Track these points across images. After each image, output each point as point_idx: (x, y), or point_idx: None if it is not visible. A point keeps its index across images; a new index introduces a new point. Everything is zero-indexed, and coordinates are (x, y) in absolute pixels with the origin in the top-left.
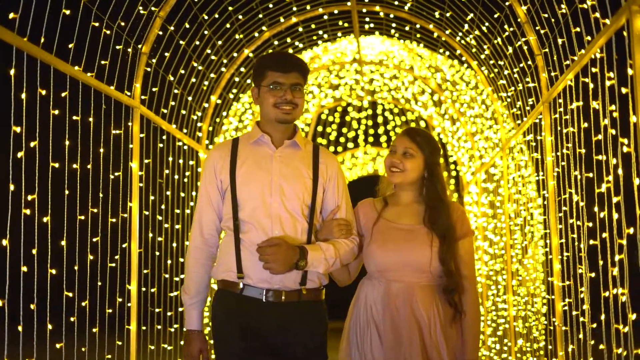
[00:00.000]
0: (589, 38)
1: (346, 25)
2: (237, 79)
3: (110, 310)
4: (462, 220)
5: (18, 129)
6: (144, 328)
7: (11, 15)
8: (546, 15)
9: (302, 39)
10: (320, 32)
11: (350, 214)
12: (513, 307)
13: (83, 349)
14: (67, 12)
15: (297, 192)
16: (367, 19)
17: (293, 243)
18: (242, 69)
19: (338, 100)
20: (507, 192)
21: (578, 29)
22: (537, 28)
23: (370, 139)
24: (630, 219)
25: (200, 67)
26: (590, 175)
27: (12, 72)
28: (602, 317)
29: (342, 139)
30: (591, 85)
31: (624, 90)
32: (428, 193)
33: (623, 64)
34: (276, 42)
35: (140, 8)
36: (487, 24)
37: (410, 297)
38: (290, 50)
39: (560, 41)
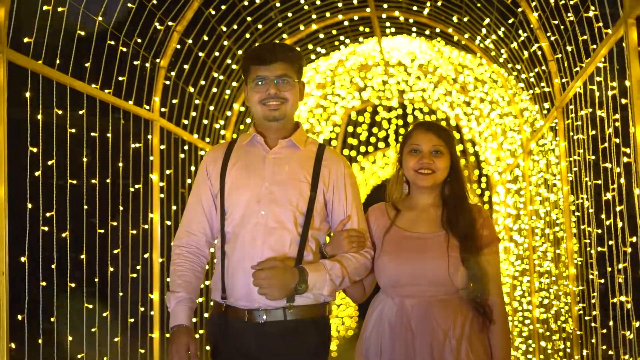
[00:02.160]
0: (594, 47)
1: (367, 30)
2: None
3: (132, 320)
4: (488, 225)
5: (35, 149)
6: (167, 335)
7: (26, 40)
8: (556, 22)
9: (323, 45)
10: (342, 37)
11: (362, 224)
12: (537, 308)
13: (105, 359)
14: (82, 33)
15: (290, 199)
16: (388, 24)
17: (284, 258)
18: None
19: (366, 102)
20: (528, 194)
21: (585, 37)
22: (548, 34)
23: (401, 139)
24: (633, 228)
25: (221, 77)
26: (599, 182)
27: (27, 94)
28: (610, 323)
29: (372, 139)
30: (597, 94)
31: (623, 100)
32: (451, 193)
33: (624, 74)
34: (298, 49)
35: (157, 24)
36: (502, 28)
37: (427, 314)
38: (312, 57)
39: (569, 48)
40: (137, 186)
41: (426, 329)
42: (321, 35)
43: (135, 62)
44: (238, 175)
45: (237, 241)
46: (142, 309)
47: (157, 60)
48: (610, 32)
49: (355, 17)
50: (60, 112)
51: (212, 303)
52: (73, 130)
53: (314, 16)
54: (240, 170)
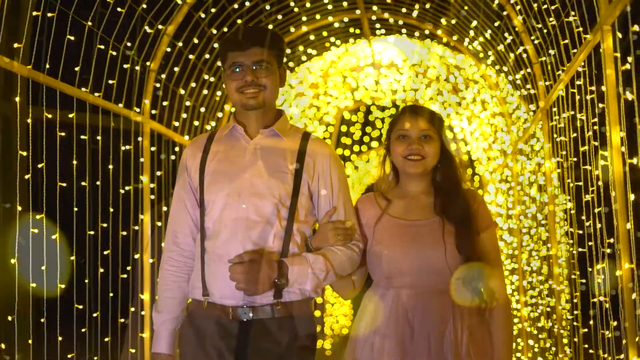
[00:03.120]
0: (575, 51)
1: (357, 31)
2: None
3: (123, 320)
4: (483, 209)
5: (24, 153)
6: None
7: (15, 45)
8: (540, 26)
9: (314, 46)
10: (333, 39)
11: (350, 215)
12: (525, 307)
13: (95, 358)
14: (72, 38)
15: (272, 191)
16: (378, 25)
17: (269, 254)
18: None
19: (358, 102)
20: (516, 194)
21: (567, 41)
22: (532, 38)
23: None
24: (610, 230)
25: (212, 79)
26: (580, 183)
27: (17, 99)
28: (591, 322)
29: (366, 138)
30: (577, 97)
31: (601, 105)
32: (444, 179)
33: (602, 79)
34: (288, 50)
35: (147, 27)
36: (489, 31)
37: (424, 305)
38: (304, 58)
39: (552, 52)
40: (127, 188)
41: (424, 321)
42: (312, 37)
43: (125, 66)
44: (218, 168)
45: (218, 237)
46: (132, 309)
47: (147, 63)
48: (589, 37)
49: (346, 19)
50: (50, 115)
51: (189, 301)
52: (63, 134)
53: (304, 18)
54: (220, 162)
